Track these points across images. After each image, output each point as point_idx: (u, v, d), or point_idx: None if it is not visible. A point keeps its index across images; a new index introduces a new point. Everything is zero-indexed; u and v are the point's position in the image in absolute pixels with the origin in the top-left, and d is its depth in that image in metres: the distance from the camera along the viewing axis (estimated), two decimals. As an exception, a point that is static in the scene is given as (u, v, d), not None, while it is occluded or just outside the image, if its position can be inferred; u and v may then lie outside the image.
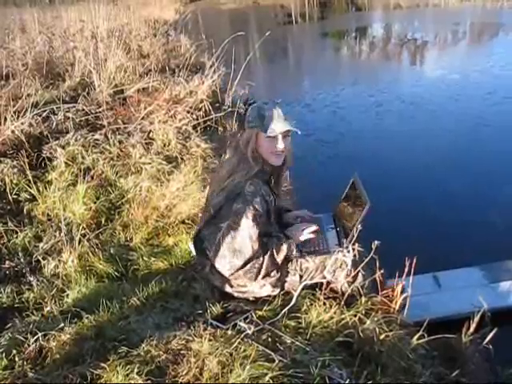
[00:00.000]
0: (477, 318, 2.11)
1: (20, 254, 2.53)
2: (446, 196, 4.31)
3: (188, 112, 4.39)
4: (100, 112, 4.77)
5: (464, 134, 5.92)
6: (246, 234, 1.85)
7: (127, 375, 1.59)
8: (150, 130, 4.02)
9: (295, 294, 2.04)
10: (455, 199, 4.24)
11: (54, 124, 4.48)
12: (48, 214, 3.17)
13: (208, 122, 4.41)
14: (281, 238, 2.04)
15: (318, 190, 3.91)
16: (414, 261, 2.07)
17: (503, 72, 8.67)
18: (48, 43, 6.49)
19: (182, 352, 1.73)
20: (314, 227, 2.15)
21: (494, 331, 2.06)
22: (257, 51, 8.95)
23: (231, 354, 1.70)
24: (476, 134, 5.82)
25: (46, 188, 3.46)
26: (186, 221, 2.97)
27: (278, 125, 1.90)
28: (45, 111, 4.53)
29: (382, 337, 1.88)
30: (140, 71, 6.11)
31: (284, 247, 2.00)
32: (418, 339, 1.95)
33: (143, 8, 20.95)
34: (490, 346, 2.06)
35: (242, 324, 1.89)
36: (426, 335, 1.96)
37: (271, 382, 1.54)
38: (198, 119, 4.33)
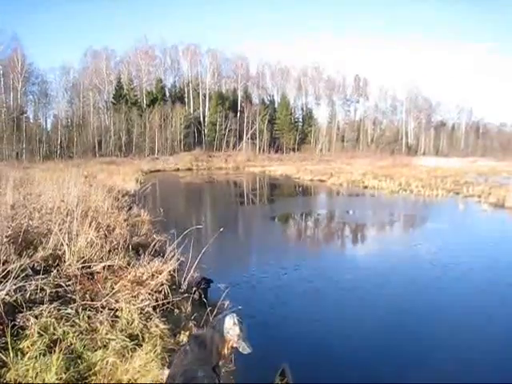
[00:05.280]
0: None
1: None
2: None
3: (149, 294, 5.15)
4: (69, 285, 5.42)
5: (388, 320, 7.11)
6: None
7: None
8: (117, 309, 4.69)
9: None
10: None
11: (28, 294, 5.05)
12: (20, 382, 3.61)
13: (166, 304, 5.15)
14: None
15: (257, 371, 4.54)
16: None
17: (423, 263, 10.48)
18: (28, 216, 7.32)
19: None
20: None
21: None
22: (210, 234, 10.10)
23: None
24: (398, 321, 7.08)
25: (17, 355, 3.93)
26: (145, 394, 3.53)
27: (247, 348, 2.84)
28: (21, 281, 5.14)
29: None
30: (107, 248, 6.93)
31: None
32: None
33: (109, 178, 22.88)
34: None
35: None
36: None
37: None
38: (157, 301, 5.07)
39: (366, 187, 28.22)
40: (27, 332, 4.30)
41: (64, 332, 4.30)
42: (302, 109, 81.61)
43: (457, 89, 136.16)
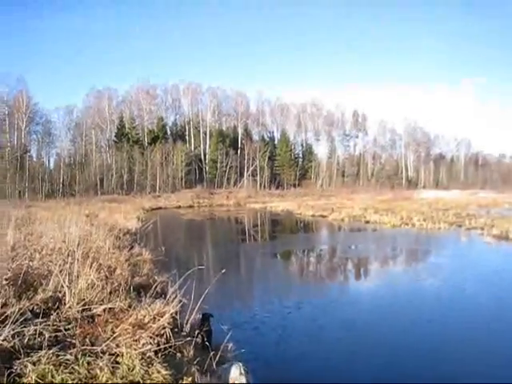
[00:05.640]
0: None
1: None
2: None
3: (151, 337, 5.01)
4: (69, 329, 5.29)
5: (387, 351, 7.27)
6: None
7: None
8: (117, 354, 4.56)
9: None
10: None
11: (27, 339, 4.92)
12: (16, 434, 3.46)
13: (169, 348, 5.00)
14: None
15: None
16: None
17: (426, 297, 10.57)
18: (28, 257, 7.25)
19: None
20: None
21: None
22: (213, 274, 9.99)
23: None
24: (399, 354, 7.22)
25: (13, 406, 3.79)
26: None
27: None
28: (20, 325, 5.02)
29: None
30: (108, 290, 6.82)
31: None
32: None
33: (110, 216, 22.86)
34: None
35: None
36: None
37: None
38: (159, 345, 4.93)
39: (367, 222, 28.15)
40: (24, 380, 4.16)
41: (62, 379, 4.16)
42: (302, 145, 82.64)
43: (455, 121, 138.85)
